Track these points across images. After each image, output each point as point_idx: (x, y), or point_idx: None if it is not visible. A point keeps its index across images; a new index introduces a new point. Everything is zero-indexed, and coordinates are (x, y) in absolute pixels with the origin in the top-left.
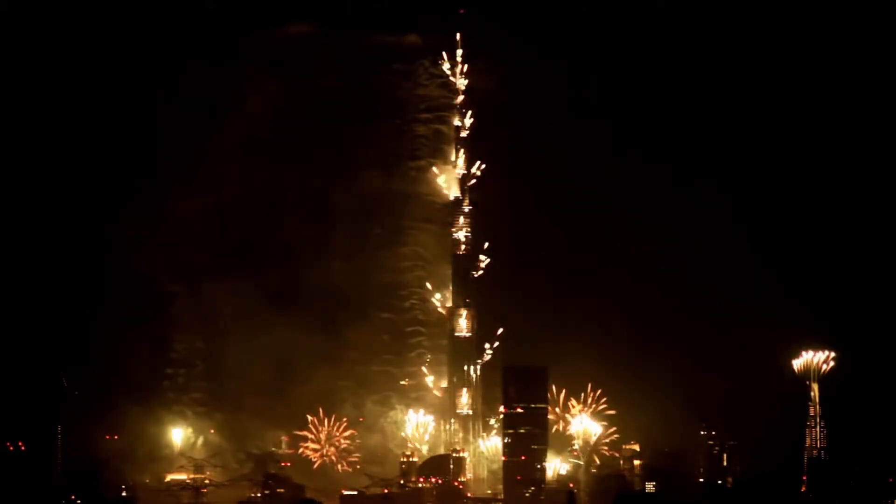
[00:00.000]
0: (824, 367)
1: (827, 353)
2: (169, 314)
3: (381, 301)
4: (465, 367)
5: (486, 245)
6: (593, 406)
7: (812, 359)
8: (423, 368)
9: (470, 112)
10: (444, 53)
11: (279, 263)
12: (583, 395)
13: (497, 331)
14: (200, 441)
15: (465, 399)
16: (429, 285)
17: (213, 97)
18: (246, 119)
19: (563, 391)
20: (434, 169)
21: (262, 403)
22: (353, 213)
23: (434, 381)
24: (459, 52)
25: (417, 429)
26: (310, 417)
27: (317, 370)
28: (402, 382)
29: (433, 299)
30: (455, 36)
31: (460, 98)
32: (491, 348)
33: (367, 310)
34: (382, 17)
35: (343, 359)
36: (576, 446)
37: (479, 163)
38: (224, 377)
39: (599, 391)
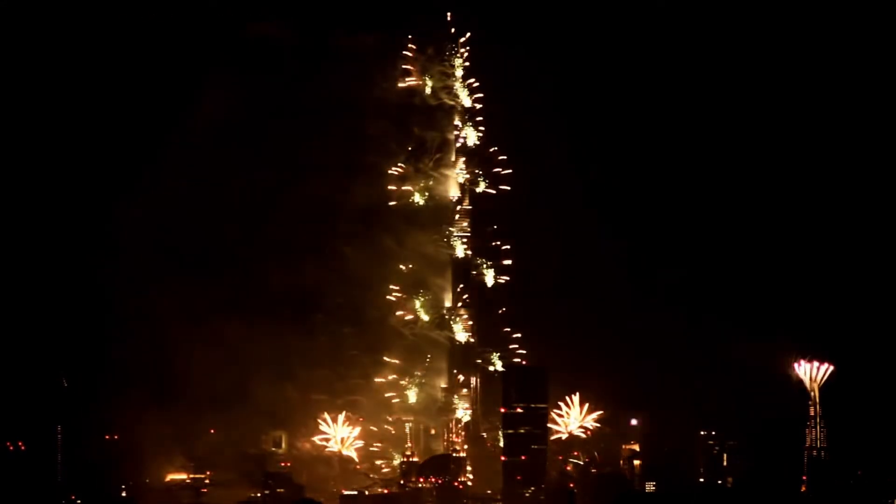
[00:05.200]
0: (822, 376)
1: (826, 365)
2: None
3: (317, 304)
4: (465, 368)
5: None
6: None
7: (811, 369)
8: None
9: (468, 112)
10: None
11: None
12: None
13: (496, 331)
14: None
15: (464, 401)
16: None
17: (168, 97)
18: (201, 119)
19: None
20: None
21: (255, 405)
22: (307, 216)
23: (434, 382)
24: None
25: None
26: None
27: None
28: (402, 382)
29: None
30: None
31: (460, 101)
32: (490, 349)
33: (308, 313)
34: (349, 17)
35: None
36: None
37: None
38: (212, 377)
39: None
